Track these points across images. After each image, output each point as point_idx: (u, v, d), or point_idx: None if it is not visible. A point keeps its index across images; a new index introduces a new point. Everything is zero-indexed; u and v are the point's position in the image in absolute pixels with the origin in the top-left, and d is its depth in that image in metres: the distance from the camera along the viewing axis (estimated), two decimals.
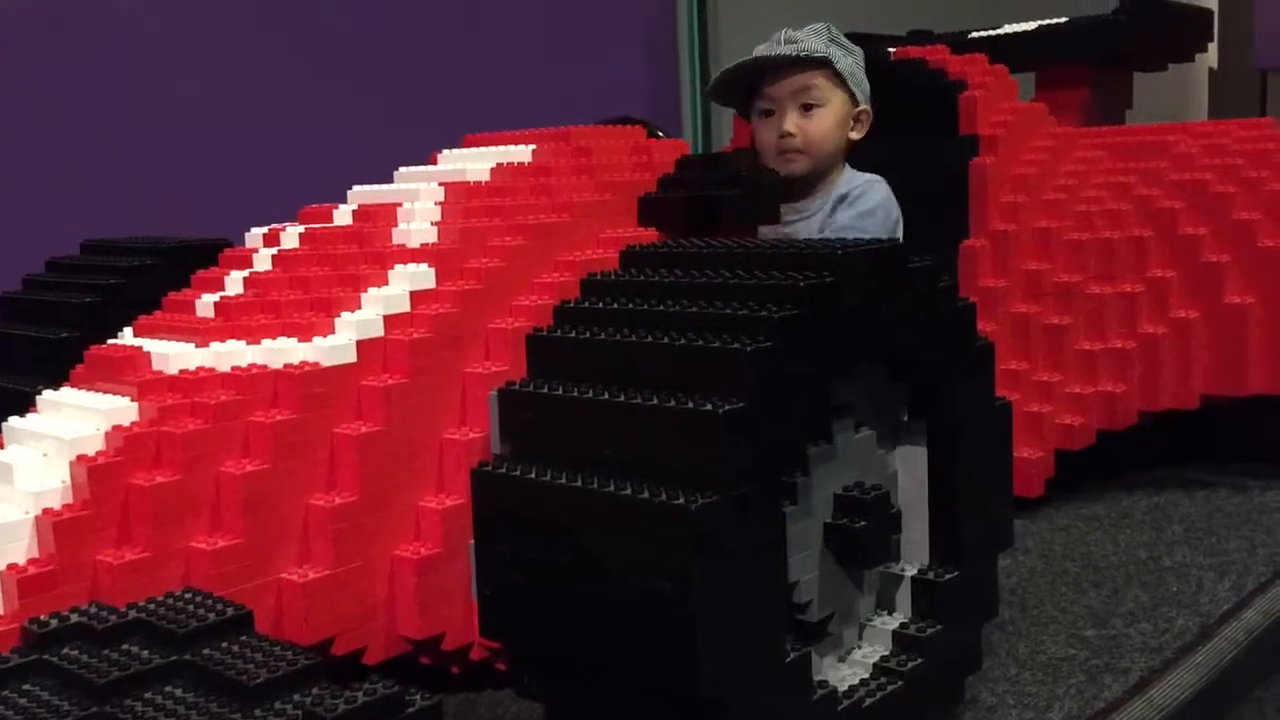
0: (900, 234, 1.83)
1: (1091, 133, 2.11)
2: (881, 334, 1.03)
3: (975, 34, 2.48)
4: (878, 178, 1.87)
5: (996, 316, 1.87)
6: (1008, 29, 2.46)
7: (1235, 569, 1.59)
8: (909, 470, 1.13)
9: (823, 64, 1.83)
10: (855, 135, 1.89)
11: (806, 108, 1.84)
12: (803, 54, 1.81)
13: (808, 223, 1.87)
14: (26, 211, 2.03)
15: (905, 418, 1.11)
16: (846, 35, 2.56)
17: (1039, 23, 2.38)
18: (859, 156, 1.95)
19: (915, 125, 2.00)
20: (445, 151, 1.55)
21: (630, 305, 1.02)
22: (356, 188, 1.46)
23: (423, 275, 1.25)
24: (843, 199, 1.84)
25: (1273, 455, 2.02)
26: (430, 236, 1.30)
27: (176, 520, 1.07)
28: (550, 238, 1.33)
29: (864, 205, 1.80)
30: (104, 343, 1.32)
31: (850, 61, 1.86)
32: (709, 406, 0.87)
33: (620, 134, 1.54)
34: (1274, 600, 1.47)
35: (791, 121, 1.84)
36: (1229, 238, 1.87)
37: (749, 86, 1.89)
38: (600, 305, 1.05)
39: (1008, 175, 1.93)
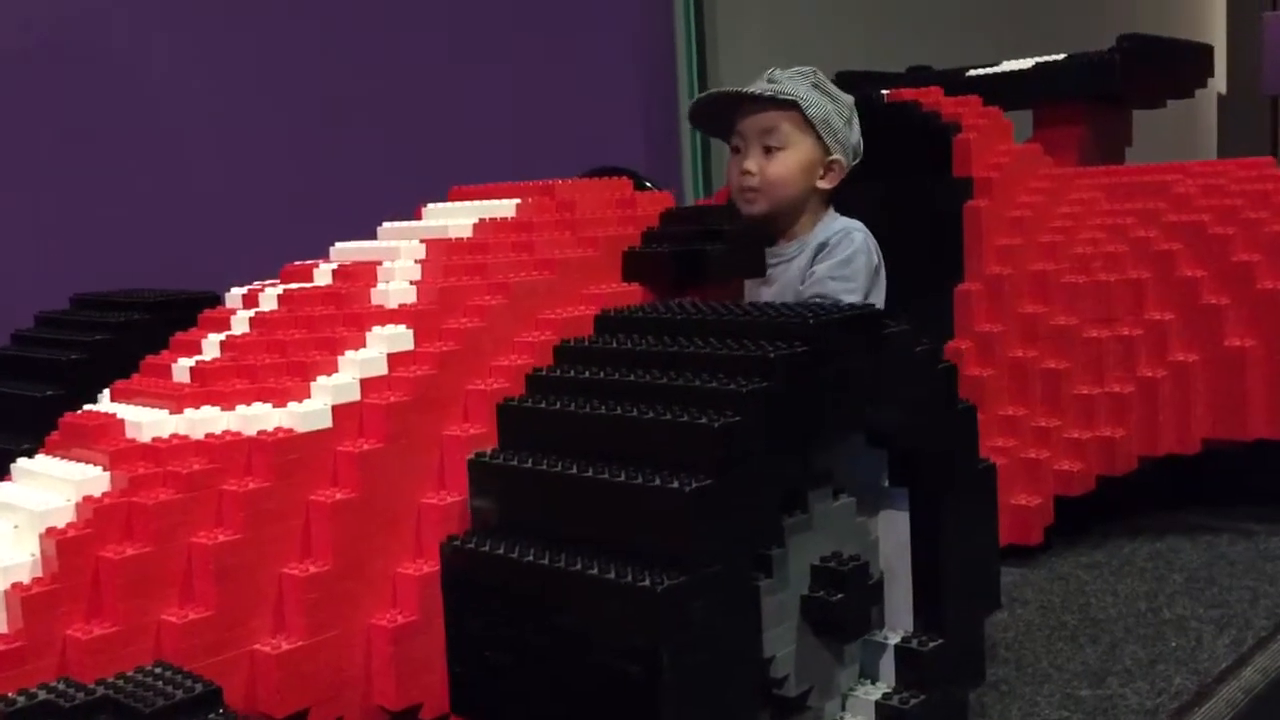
0: (880, 281, 1.80)
1: (1088, 173, 2.10)
2: (858, 402, 1.01)
3: (973, 72, 2.47)
4: (857, 224, 1.83)
5: (993, 361, 1.85)
6: (1006, 66, 2.45)
7: (1236, 622, 1.56)
8: (891, 535, 1.11)
9: (791, 106, 1.81)
10: (824, 185, 1.85)
11: (769, 149, 1.81)
12: (770, 94, 1.79)
13: (788, 267, 1.84)
14: (22, 259, 2.03)
15: (886, 483, 1.09)
16: (844, 73, 2.59)
17: (1036, 60, 2.37)
18: (853, 199, 1.93)
19: (909, 168, 1.99)
20: (430, 206, 1.54)
21: (601, 374, 1.01)
22: (339, 245, 1.46)
23: (401, 337, 1.24)
24: (822, 247, 1.81)
25: (1278, 498, 1.99)
26: (409, 297, 1.29)
27: (147, 592, 1.06)
28: (531, 296, 1.32)
29: (842, 254, 1.77)
30: (92, 399, 1.32)
31: (828, 108, 1.83)
32: (676, 485, 0.86)
33: (605, 186, 1.53)
34: (1274, 657, 1.44)
35: (753, 161, 1.81)
36: (1228, 280, 1.85)
37: (731, 120, 1.87)
38: (572, 374, 1.03)
39: (1003, 218, 1.91)
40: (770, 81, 1.82)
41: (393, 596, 1.16)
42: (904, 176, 1.99)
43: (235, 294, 1.38)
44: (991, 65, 2.48)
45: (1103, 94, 2.23)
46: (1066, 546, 1.90)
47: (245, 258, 1.63)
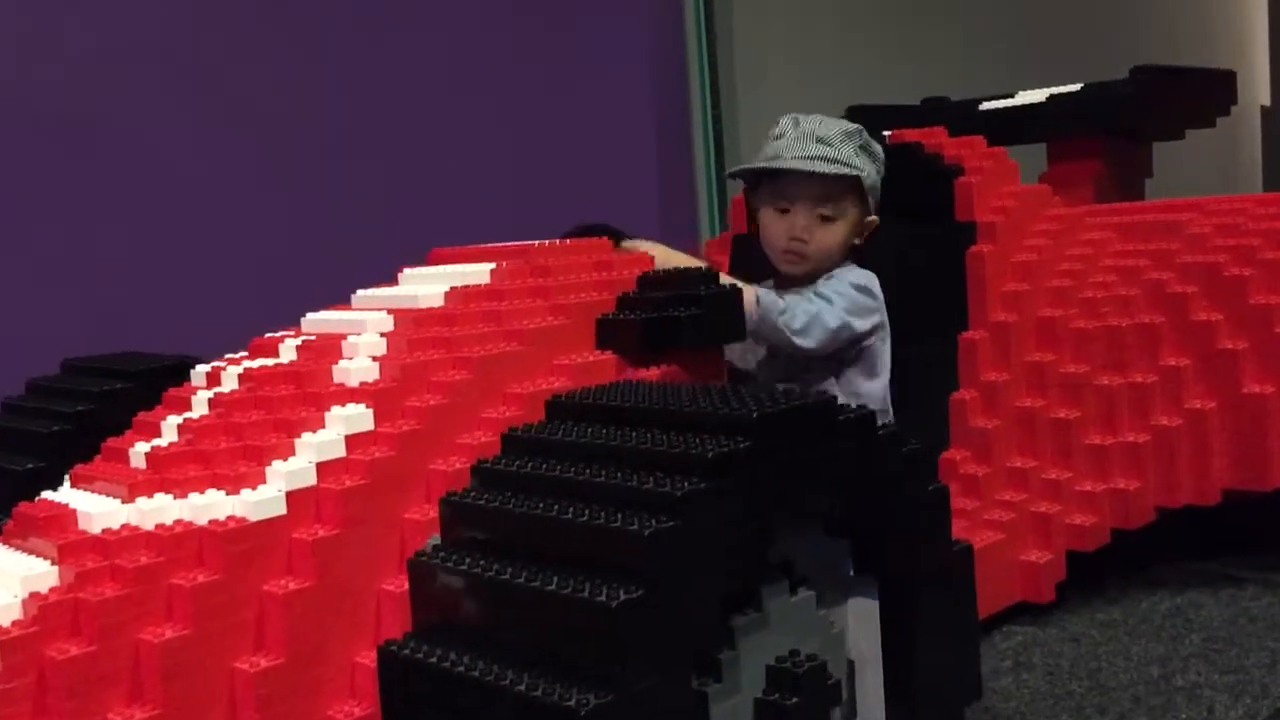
0: (877, 321, 1.75)
1: (1100, 211, 2.03)
2: (812, 493, 0.96)
3: (987, 105, 2.41)
4: (868, 272, 1.79)
5: (1000, 411, 1.79)
6: (1021, 98, 2.39)
7: (1251, 689, 1.48)
8: (862, 623, 1.06)
9: (856, 184, 1.77)
10: (858, 242, 1.83)
11: (825, 218, 1.78)
12: (838, 173, 1.74)
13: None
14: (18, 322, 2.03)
15: (851, 572, 1.04)
16: (855, 108, 2.53)
17: (1050, 91, 2.31)
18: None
19: (912, 212, 1.93)
20: (406, 270, 1.52)
21: (544, 468, 0.97)
22: (310, 315, 1.43)
23: (360, 417, 1.21)
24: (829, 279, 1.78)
25: None
26: (371, 374, 1.26)
27: (93, 692, 1.04)
28: (499, 369, 1.28)
29: (838, 278, 1.74)
30: (71, 469, 1.31)
31: (873, 172, 1.79)
32: (603, 597, 0.82)
33: (583, 249, 1.50)
34: None
35: (807, 228, 1.77)
36: (1246, 323, 1.78)
37: (776, 177, 1.80)
38: (515, 467, 1.00)
39: (1008, 263, 1.85)
40: (820, 142, 1.75)
41: (351, 687, 1.13)
42: (907, 221, 1.94)
43: (200, 371, 1.37)
44: (1006, 97, 2.42)
45: (1117, 127, 2.16)
46: (1081, 601, 1.83)
47: (249, 314, 1.62)
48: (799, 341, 1.66)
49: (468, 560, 0.93)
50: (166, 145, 2.18)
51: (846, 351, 1.75)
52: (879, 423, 1.02)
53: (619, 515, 0.86)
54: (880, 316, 1.77)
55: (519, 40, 2.64)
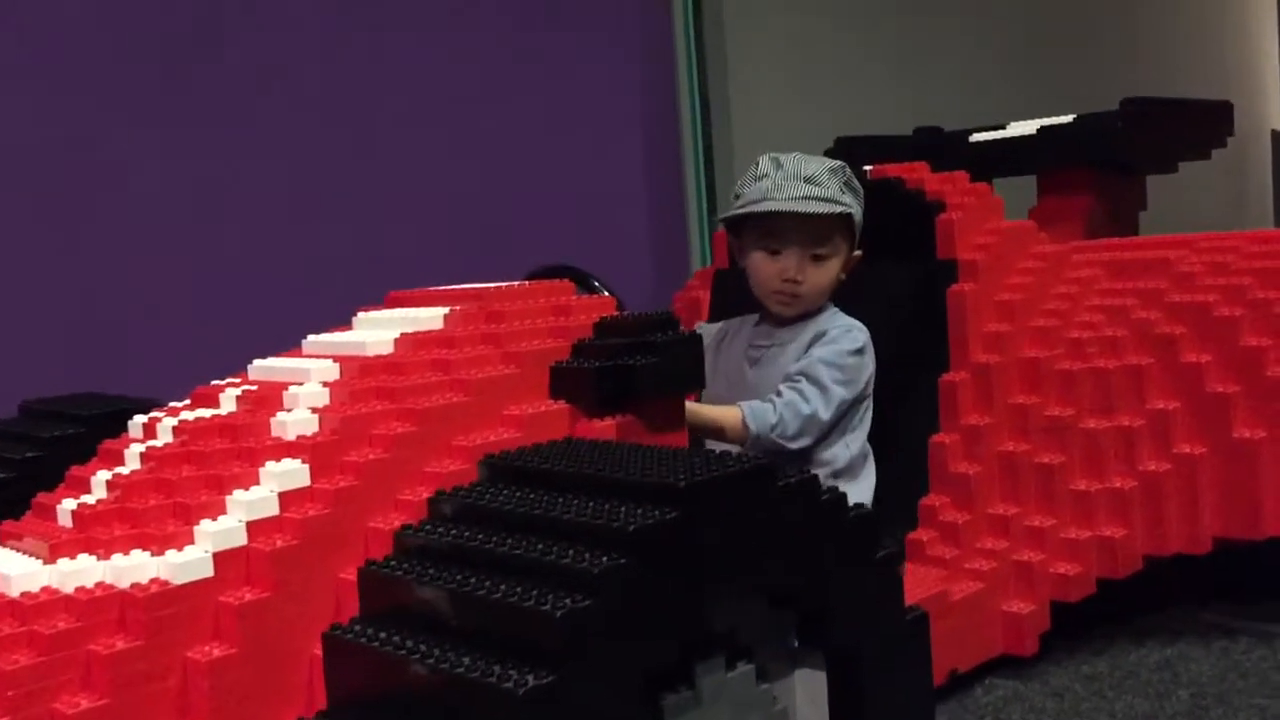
0: (860, 387, 1.70)
1: (1087, 248, 1.97)
2: (751, 562, 0.91)
3: (977, 136, 2.36)
4: (858, 324, 1.74)
5: (981, 456, 1.73)
6: (1012, 129, 2.34)
7: None
8: (808, 697, 1.01)
9: (846, 220, 1.72)
10: (843, 277, 1.78)
11: (818, 257, 1.73)
12: (832, 209, 1.70)
13: (780, 352, 1.75)
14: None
15: (795, 643, 0.99)
16: (844, 139, 2.49)
17: (1041, 123, 2.25)
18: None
19: (892, 250, 1.88)
20: (360, 314, 1.48)
21: (466, 537, 0.92)
22: (257, 362, 1.39)
23: (295, 473, 1.16)
24: (820, 335, 1.72)
25: None
26: (310, 426, 1.22)
27: None
28: (444, 421, 1.24)
29: (847, 345, 1.69)
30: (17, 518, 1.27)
31: (859, 213, 1.75)
32: (510, 683, 0.77)
33: (542, 292, 1.45)
34: None
35: (799, 270, 1.72)
36: (1237, 366, 1.72)
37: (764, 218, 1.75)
38: (437, 535, 0.95)
39: (990, 301, 1.80)
40: (809, 182, 1.70)
41: None
42: (887, 258, 1.89)
43: (136, 422, 1.32)
44: (998, 128, 2.37)
45: (1107, 160, 2.10)
46: (1067, 652, 1.77)
47: (230, 347, 1.58)
48: (795, 446, 1.65)
49: (380, 636, 0.88)
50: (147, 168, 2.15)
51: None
52: (826, 485, 0.97)
53: (534, 592, 0.82)
54: (871, 370, 1.73)
55: (505, 63, 2.61)
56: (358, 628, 0.92)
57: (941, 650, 1.60)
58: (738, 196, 1.77)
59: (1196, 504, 1.72)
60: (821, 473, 1.70)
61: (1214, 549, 1.74)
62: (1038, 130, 2.23)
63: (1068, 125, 2.18)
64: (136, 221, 2.13)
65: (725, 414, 1.62)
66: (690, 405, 1.60)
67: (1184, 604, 1.91)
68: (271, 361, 1.38)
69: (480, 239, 2.49)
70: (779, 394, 1.66)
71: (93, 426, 1.55)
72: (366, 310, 1.50)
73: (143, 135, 2.13)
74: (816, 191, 1.69)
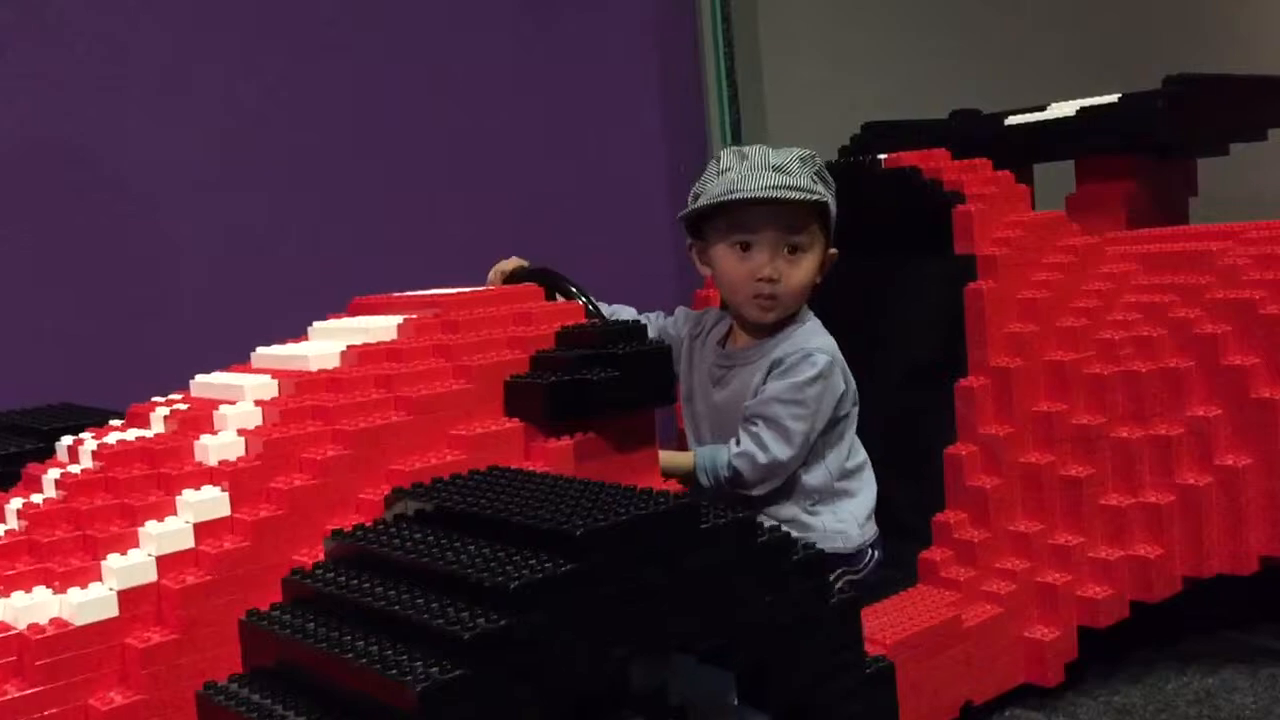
0: (828, 413, 1.56)
1: (1123, 239, 1.82)
2: (673, 615, 0.80)
3: (1013, 119, 2.20)
4: (825, 345, 1.59)
5: (1001, 468, 1.60)
6: (1052, 111, 2.18)
7: None
8: None
9: (822, 209, 1.60)
10: (818, 279, 1.64)
11: (793, 250, 1.60)
12: (806, 196, 1.57)
13: (745, 370, 1.63)
14: None
15: (735, 703, 0.88)
16: (872, 124, 2.35)
17: (1081, 103, 2.09)
18: (845, 281, 1.70)
19: (908, 244, 1.75)
20: (316, 324, 1.39)
21: (348, 587, 0.83)
22: (200, 376, 1.31)
23: (214, 502, 1.07)
24: (778, 364, 1.58)
25: None
26: (235, 450, 1.13)
27: None
28: (381, 443, 1.14)
29: (797, 377, 1.54)
30: None
31: (833, 204, 1.62)
32: None
33: (506, 299, 1.35)
34: None
35: (774, 267, 1.59)
36: None
37: (733, 214, 1.61)
38: (323, 584, 0.85)
39: (1012, 301, 1.66)
40: (779, 171, 1.58)
41: None
42: (902, 254, 1.76)
43: (63, 444, 1.25)
44: (1038, 109, 2.21)
45: (1150, 143, 1.94)
46: (1100, 679, 1.63)
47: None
48: (757, 493, 1.55)
49: (250, 699, 0.79)
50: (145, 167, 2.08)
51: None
52: (764, 525, 0.85)
53: (402, 658, 0.71)
54: (841, 389, 1.58)
55: (517, 53, 2.51)
56: (231, 687, 0.83)
57: (954, 680, 1.49)
58: (697, 196, 1.63)
59: (1241, 520, 1.57)
60: (799, 502, 1.58)
61: (1262, 569, 1.59)
62: (1077, 112, 2.07)
63: (1109, 106, 2.02)
64: (131, 216, 2.07)
65: (677, 461, 1.55)
66: None
67: (1235, 626, 1.76)
68: (213, 377, 1.30)
69: (493, 236, 2.39)
70: (737, 440, 1.55)
71: (51, 441, 1.48)
72: (325, 320, 1.41)
73: (136, 130, 2.06)
74: (787, 180, 1.56)
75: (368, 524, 0.95)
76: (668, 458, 1.49)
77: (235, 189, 2.14)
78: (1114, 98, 2.07)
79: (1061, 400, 1.62)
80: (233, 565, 1.04)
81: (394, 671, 0.70)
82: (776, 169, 1.57)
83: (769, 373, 1.56)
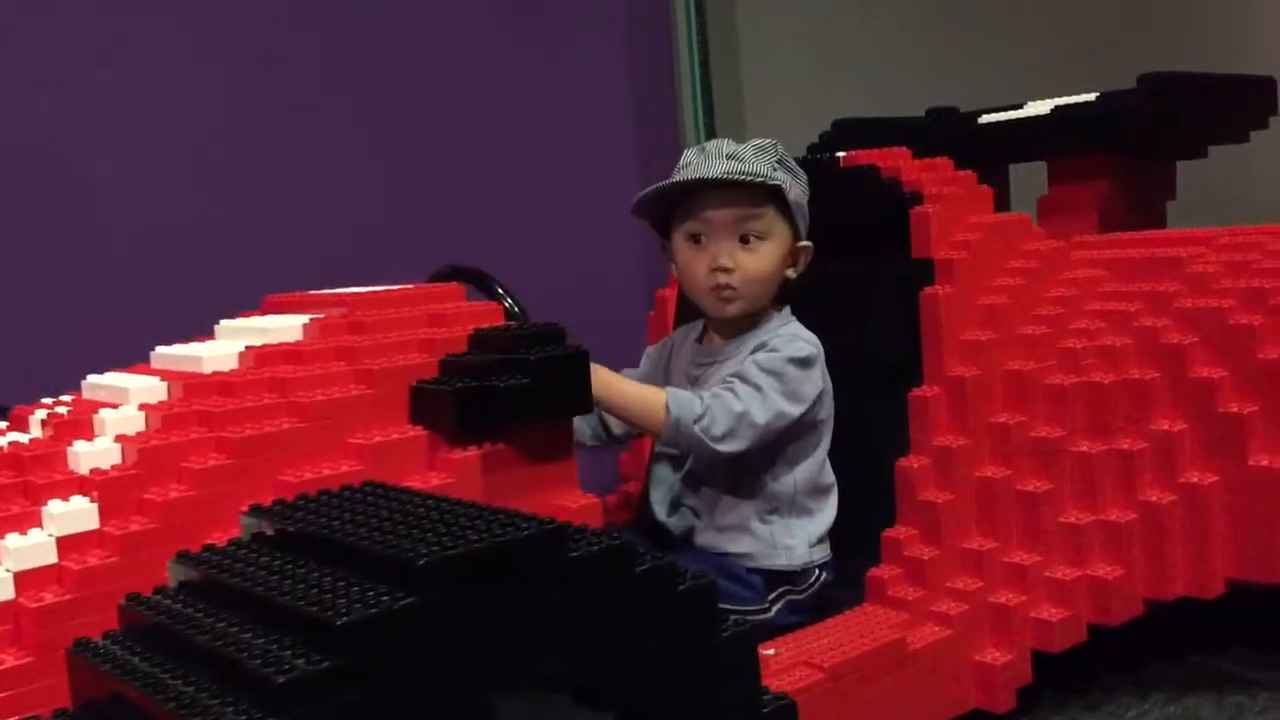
0: (806, 405, 1.49)
1: (1090, 244, 1.74)
2: (527, 653, 0.73)
3: (987, 118, 2.13)
4: (809, 336, 1.54)
5: (954, 482, 1.52)
6: (1029, 109, 2.10)
7: None
8: None
9: (774, 193, 1.52)
10: (792, 273, 1.57)
11: (746, 239, 1.53)
12: (755, 178, 1.50)
13: (719, 369, 1.56)
14: None
15: None
16: (842, 122, 2.28)
17: (1056, 102, 2.02)
18: (803, 283, 1.63)
19: (866, 246, 1.67)
20: (223, 322, 1.31)
21: (178, 617, 0.75)
22: (91, 377, 1.24)
23: (81, 514, 1.00)
24: (762, 346, 1.52)
25: None
26: (110, 457, 1.05)
27: None
28: (269, 451, 1.07)
29: (790, 352, 1.48)
30: None
31: (798, 190, 1.55)
32: None
33: (421, 299, 1.28)
34: None
35: (729, 255, 1.52)
36: (1255, 382, 1.49)
37: (672, 199, 1.58)
38: (154, 611, 0.78)
39: (971, 307, 1.58)
40: (732, 159, 1.52)
41: None
42: (859, 257, 1.68)
43: None
44: (1015, 108, 2.13)
45: (1122, 144, 1.86)
46: (1056, 706, 1.56)
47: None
48: (722, 449, 1.44)
49: None
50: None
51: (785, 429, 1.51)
52: (644, 553, 0.78)
53: (214, 703, 0.64)
54: (820, 387, 1.52)
55: (481, 47, 2.42)
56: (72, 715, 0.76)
57: (897, 705, 1.41)
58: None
59: (1206, 541, 1.49)
60: (756, 507, 1.51)
61: (1228, 591, 1.52)
62: (1051, 111, 1.99)
63: (1083, 105, 1.94)
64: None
65: (645, 393, 1.44)
66: (611, 379, 1.41)
67: (1204, 651, 1.68)
68: (105, 377, 1.22)
69: (455, 233, 2.31)
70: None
71: None
72: (234, 318, 1.33)
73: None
74: (740, 166, 1.50)
75: (215, 545, 0.88)
76: (615, 386, 1.41)
77: (177, 182, 2.06)
78: (1091, 97, 1.99)
79: (1020, 412, 1.55)
80: (98, 583, 0.97)
81: (196, 719, 0.62)
82: (730, 157, 1.52)
83: (753, 353, 1.50)
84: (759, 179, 1.50)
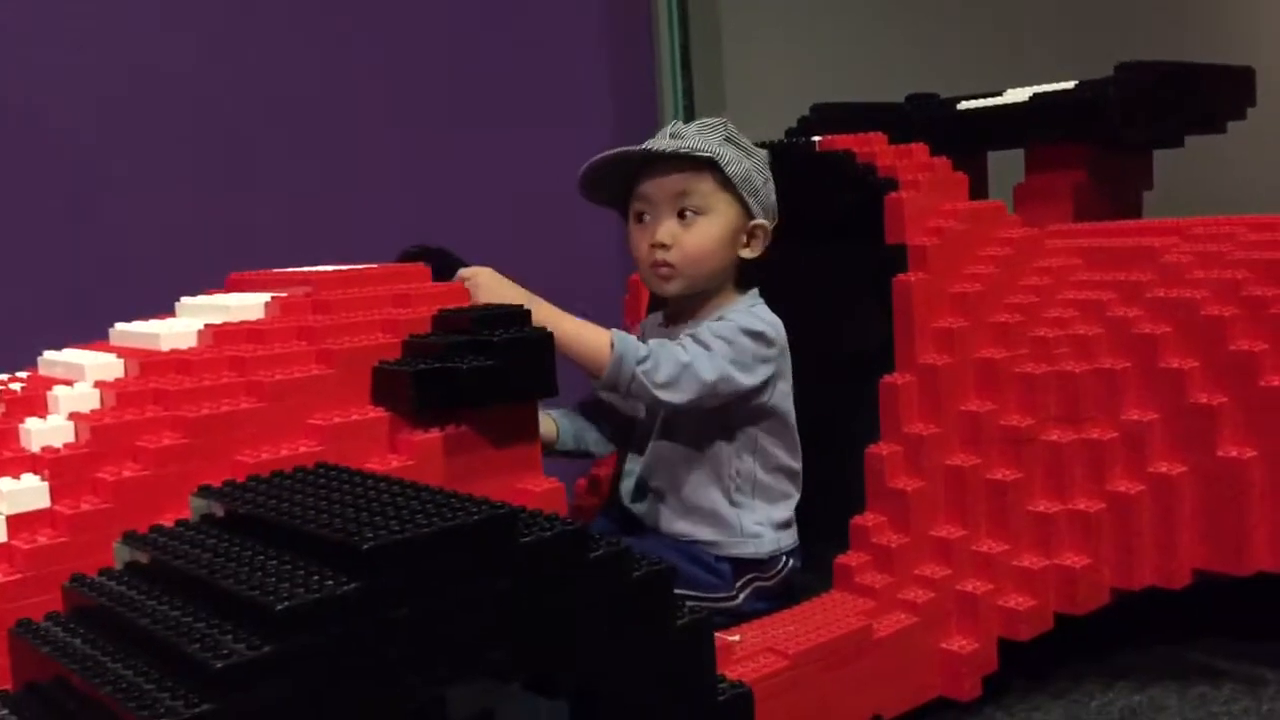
0: (757, 378, 1.47)
1: (1065, 233, 1.74)
2: (476, 641, 0.72)
3: (966, 104, 2.12)
4: (770, 317, 1.52)
5: (924, 470, 1.52)
6: (1009, 96, 2.09)
7: None
8: None
9: (708, 164, 1.51)
10: (748, 253, 1.56)
11: (684, 215, 1.52)
12: (684, 150, 1.50)
13: None
14: None
15: None
16: (820, 106, 2.26)
17: (1035, 89, 2.01)
18: (775, 270, 1.62)
19: (840, 232, 1.66)
20: (183, 300, 1.29)
21: (120, 600, 0.74)
22: (48, 353, 1.22)
23: (31, 492, 0.98)
24: (721, 319, 1.51)
25: None
26: (63, 435, 1.04)
27: None
28: (226, 431, 1.05)
29: (741, 322, 1.47)
30: None
31: (746, 166, 1.53)
32: None
33: (387, 278, 1.26)
34: None
35: (666, 230, 1.52)
36: (1225, 373, 1.48)
37: (627, 180, 1.58)
38: (98, 595, 0.76)
39: (943, 294, 1.57)
40: (675, 137, 1.53)
41: None
42: (832, 243, 1.67)
43: None
44: (995, 95, 2.12)
45: (1099, 133, 1.85)
46: (1021, 694, 1.56)
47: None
48: (663, 396, 1.40)
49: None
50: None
51: (745, 410, 1.50)
52: (598, 539, 0.77)
53: (151, 688, 0.63)
54: (776, 367, 1.50)
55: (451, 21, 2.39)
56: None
57: (861, 693, 1.41)
58: None
59: (1174, 531, 1.49)
60: (722, 487, 1.51)
61: (1196, 581, 1.52)
62: (1030, 98, 1.98)
63: (1061, 93, 1.93)
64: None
65: (589, 329, 1.40)
66: (553, 313, 1.38)
67: (1171, 641, 1.68)
68: (62, 354, 1.20)
69: (428, 219, 2.28)
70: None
71: None
72: (196, 296, 1.31)
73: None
74: (678, 143, 1.50)
75: (162, 526, 0.86)
76: (575, 324, 1.38)
77: (148, 157, 2.02)
78: (1070, 84, 1.98)
79: (991, 400, 1.54)
80: (48, 562, 0.95)
81: (133, 704, 0.61)
82: (674, 135, 1.52)
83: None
84: (684, 150, 1.49)
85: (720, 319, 1.50)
